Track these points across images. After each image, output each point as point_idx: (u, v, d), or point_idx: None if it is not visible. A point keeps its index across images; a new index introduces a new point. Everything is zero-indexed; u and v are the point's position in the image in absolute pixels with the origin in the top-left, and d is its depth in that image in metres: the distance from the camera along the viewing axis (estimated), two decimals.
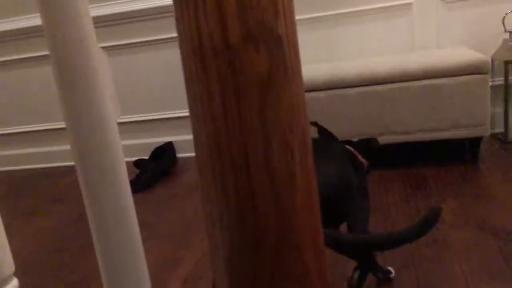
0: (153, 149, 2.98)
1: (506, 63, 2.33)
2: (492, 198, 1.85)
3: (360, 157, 1.51)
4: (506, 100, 2.41)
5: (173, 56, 2.99)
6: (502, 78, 2.41)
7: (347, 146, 1.52)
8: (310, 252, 0.34)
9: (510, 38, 2.36)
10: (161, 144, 3.10)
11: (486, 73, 2.11)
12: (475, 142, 2.26)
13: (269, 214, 0.33)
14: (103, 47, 3.05)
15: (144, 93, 3.10)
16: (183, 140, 3.09)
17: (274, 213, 0.33)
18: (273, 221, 0.33)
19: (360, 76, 2.23)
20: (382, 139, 2.27)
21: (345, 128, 2.30)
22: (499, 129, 2.54)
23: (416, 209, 1.86)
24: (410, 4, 2.58)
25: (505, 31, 2.39)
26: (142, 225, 2.13)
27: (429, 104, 2.19)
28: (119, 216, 0.80)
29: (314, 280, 0.35)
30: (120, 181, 0.79)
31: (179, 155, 3.10)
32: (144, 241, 1.93)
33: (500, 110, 2.51)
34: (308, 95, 2.31)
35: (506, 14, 2.42)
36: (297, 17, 2.73)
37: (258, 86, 0.32)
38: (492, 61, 2.45)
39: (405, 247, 1.58)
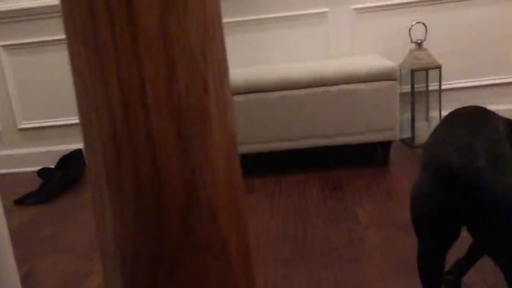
0: (59, 157, 2.75)
1: (413, 71, 2.47)
2: (402, 198, 1.92)
3: None
4: (413, 107, 2.56)
5: None
6: (409, 86, 2.55)
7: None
8: (228, 218, 0.27)
9: (415, 48, 2.51)
10: (68, 151, 2.87)
11: (395, 80, 2.22)
12: (386, 146, 2.36)
13: (173, 166, 0.25)
14: (3, 46, 2.77)
15: (50, 96, 2.86)
16: None
17: (181, 164, 0.25)
18: (179, 176, 0.25)
19: (280, 80, 2.24)
20: (302, 144, 2.29)
21: (264, 132, 2.28)
22: (407, 134, 2.68)
23: (334, 210, 1.88)
24: (325, 13, 2.65)
25: (411, 41, 2.54)
26: (47, 238, 1.93)
27: (345, 108, 2.24)
28: None
29: (233, 254, 0.28)
30: None
31: None
32: (48, 254, 1.75)
33: (408, 116, 2.65)
34: None
35: (412, 25, 2.57)
36: None
37: None
38: (400, 69, 2.59)
39: (323, 249, 1.58)
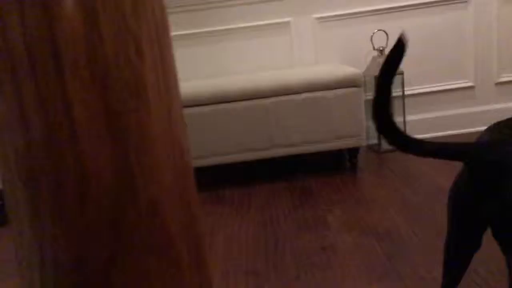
0: None
1: (376, 78, 2.50)
2: (371, 203, 1.91)
3: None
4: None
5: None
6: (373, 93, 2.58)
7: None
8: (173, 212, 0.23)
9: (378, 55, 2.55)
10: None
11: (359, 86, 2.23)
12: (353, 152, 2.36)
13: (101, 149, 0.20)
14: None
15: None
16: None
17: (110, 147, 0.21)
18: (108, 162, 0.21)
19: (244, 90, 2.21)
20: (269, 153, 2.26)
21: (231, 143, 2.25)
22: (374, 140, 2.70)
23: (304, 218, 1.85)
24: (288, 22, 2.66)
25: (374, 49, 2.57)
26: (7, 260, 1.82)
27: (311, 116, 2.24)
28: None
29: (182, 255, 0.24)
30: None
31: None
32: (10, 277, 1.64)
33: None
34: (192, 110, 2.23)
35: (374, 33, 2.61)
36: (180, 32, 2.65)
37: None
38: (364, 76, 2.61)
39: (295, 258, 1.55)
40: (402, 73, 2.52)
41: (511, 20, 2.69)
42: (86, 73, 0.21)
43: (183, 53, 2.68)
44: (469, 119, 2.78)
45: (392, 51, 0.85)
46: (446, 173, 2.15)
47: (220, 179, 2.48)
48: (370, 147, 2.69)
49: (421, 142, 0.88)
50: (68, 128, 0.20)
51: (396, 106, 2.70)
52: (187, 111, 2.22)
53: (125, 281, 0.22)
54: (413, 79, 2.74)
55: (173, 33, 2.65)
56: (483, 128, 2.77)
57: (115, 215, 0.22)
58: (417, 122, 2.77)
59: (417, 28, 2.68)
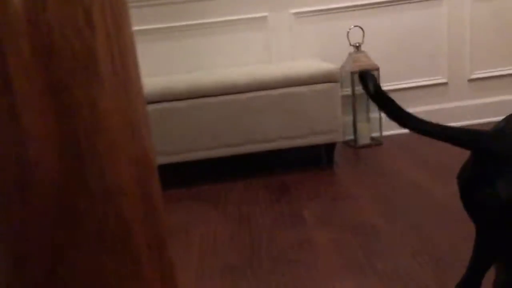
0: None
1: (352, 74, 2.51)
2: (348, 199, 1.92)
3: None
4: (354, 109, 2.59)
5: None
6: (350, 89, 2.59)
7: None
8: (131, 202, 0.21)
9: (354, 51, 2.55)
10: None
11: (336, 82, 2.24)
12: (330, 148, 2.37)
13: (44, 128, 0.18)
14: None
15: None
16: None
17: (56, 126, 0.18)
18: (51, 143, 0.18)
19: (221, 85, 2.19)
20: (245, 149, 2.24)
21: (207, 138, 2.22)
22: (350, 136, 2.71)
23: (281, 214, 1.84)
24: (265, 17, 2.64)
25: (350, 44, 2.58)
26: None
27: (288, 112, 2.23)
28: None
29: (141, 248, 0.21)
30: None
31: None
32: None
33: (349, 118, 2.69)
34: (167, 105, 2.19)
35: (350, 29, 2.62)
36: (153, 26, 2.60)
37: None
38: (340, 72, 2.61)
39: (271, 254, 1.54)
40: (378, 69, 2.54)
41: (484, 18, 2.74)
42: (27, 43, 0.18)
43: (158, 47, 2.63)
44: (442, 115, 2.82)
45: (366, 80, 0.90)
46: (420, 168, 2.17)
47: (195, 175, 2.45)
48: (346, 143, 2.71)
49: (425, 121, 0.88)
50: (7, 104, 0.18)
51: (371, 102, 2.72)
52: (161, 105, 2.18)
53: (75, 279, 0.20)
54: (387, 75, 2.76)
55: (148, 27, 2.60)
56: (456, 123, 2.82)
57: (63, 205, 0.19)
58: None
59: (392, 25, 2.70)
